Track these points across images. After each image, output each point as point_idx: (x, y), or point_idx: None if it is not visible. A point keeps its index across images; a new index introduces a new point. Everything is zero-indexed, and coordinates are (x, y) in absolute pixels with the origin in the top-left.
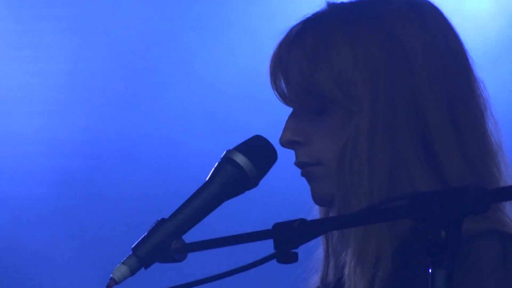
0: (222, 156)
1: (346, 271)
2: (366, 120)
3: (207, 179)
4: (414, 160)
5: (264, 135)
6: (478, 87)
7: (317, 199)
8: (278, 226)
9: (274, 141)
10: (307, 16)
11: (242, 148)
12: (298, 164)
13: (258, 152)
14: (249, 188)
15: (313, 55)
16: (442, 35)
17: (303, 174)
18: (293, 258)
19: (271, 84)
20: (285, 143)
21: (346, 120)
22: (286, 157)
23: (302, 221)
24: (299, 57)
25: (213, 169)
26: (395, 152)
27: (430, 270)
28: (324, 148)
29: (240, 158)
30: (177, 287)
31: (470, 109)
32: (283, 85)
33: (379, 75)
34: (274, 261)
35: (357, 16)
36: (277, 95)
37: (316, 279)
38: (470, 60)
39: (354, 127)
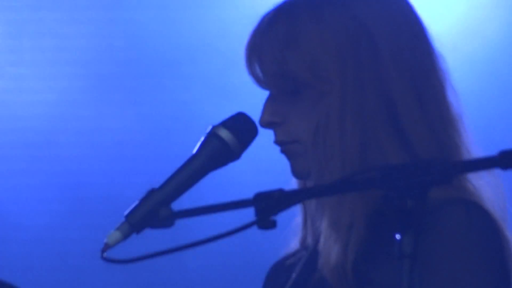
0: (208, 131)
1: (322, 237)
2: (336, 100)
3: (194, 152)
4: (383, 135)
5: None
6: (438, 61)
7: (296, 173)
8: (259, 196)
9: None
10: (278, 4)
11: (226, 123)
12: (277, 142)
13: (241, 127)
14: (232, 161)
15: (285, 42)
16: (403, 16)
17: (282, 152)
18: (272, 225)
19: (247, 70)
20: (264, 124)
21: (318, 101)
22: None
23: (281, 191)
24: (272, 44)
25: (199, 142)
26: (365, 128)
27: (397, 237)
28: (299, 127)
29: (224, 133)
30: (164, 252)
31: (432, 83)
32: (258, 70)
33: (347, 57)
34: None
35: (324, 3)
36: (253, 79)
37: (295, 242)
38: (430, 37)
39: (326, 107)
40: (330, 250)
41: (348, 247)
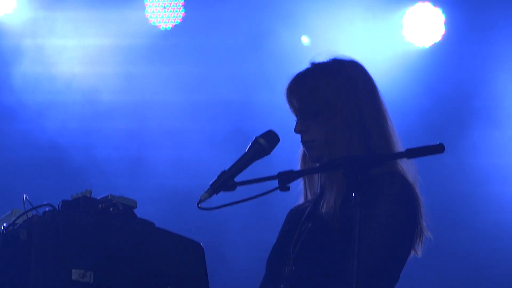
0: (253, 139)
1: (325, 193)
2: (339, 120)
3: (246, 150)
4: (357, 139)
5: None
6: (383, 100)
7: (311, 159)
8: (280, 173)
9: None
10: (302, 70)
11: (262, 135)
12: (302, 142)
13: (270, 138)
14: (266, 155)
15: (310, 88)
16: (367, 75)
17: (304, 147)
18: (288, 189)
19: (288, 102)
20: (297, 131)
21: (327, 120)
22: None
23: (291, 170)
24: (304, 90)
25: (249, 145)
26: (349, 136)
27: (353, 194)
28: (316, 134)
29: (262, 141)
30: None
31: (382, 112)
32: (295, 103)
33: (343, 97)
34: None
35: (329, 68)
36: (291, 108)
37: (301, 199)
38: (378, 89)
39: (333, 123)
40: (329, 199)
41: (337, 198)
